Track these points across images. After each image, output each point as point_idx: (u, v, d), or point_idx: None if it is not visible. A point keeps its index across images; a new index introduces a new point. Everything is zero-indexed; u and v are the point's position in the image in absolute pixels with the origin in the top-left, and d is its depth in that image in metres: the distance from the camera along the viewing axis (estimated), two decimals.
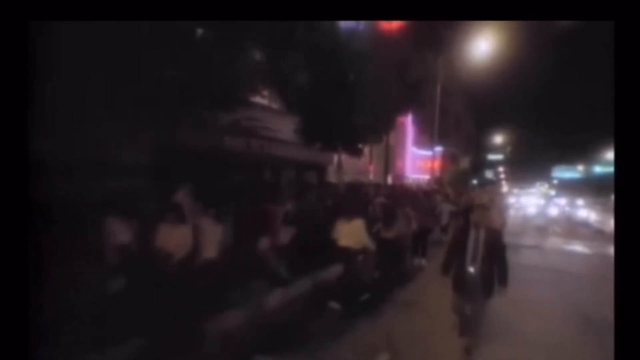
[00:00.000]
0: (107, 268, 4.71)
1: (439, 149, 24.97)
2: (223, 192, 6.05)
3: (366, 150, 14.47)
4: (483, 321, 4.93)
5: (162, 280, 4.85)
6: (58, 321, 3.72)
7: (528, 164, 79.42)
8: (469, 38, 23.45)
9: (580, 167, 72.60)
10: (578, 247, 15.05)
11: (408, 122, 23.44)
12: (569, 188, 65.14)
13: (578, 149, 67.43)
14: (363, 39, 10.81)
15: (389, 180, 20.72)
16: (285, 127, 10.09)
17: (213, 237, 5.30)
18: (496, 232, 4.95)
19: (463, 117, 33.45)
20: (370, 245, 6.73)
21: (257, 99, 8.68)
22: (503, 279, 4.65)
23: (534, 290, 8.14)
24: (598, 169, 60.51)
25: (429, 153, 24.08)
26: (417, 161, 26.12)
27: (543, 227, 20.81)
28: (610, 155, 58.95)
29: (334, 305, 6.18)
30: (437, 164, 25.01)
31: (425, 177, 25.02)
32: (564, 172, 78.34)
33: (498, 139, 45.97)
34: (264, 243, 6.01)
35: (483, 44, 22.51)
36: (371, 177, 16.49)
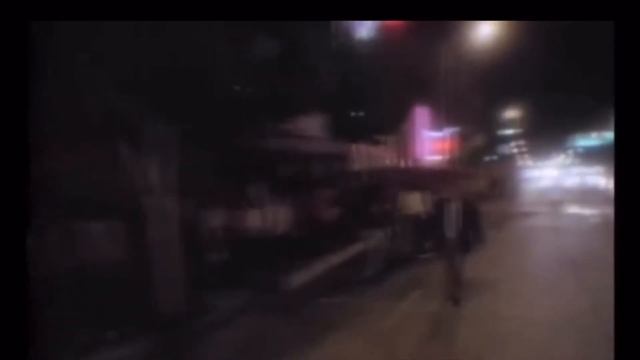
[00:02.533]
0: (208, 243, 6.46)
1: (450, 129, 26.18)
2: (281, 184, 7.82)
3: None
4: (463, 276, 6.04)
5: (243, 250, 6.65)
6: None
7: (542, 136, 79.31)
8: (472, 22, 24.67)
9: (594, 135, 72.41)
10: (581, 210, 16.53)
11: (418, 107, 24.72)
12: (586, 157, 64.99)
13: (590, 117, 67.30)
14: (376, 39, 12.40)
15: (403, 164, 22.22)
16: (312, 125, 11.74)
17: (279, 217, 7.07)
18: (470, 203, 6.24)
19: (472, 96, 34.45)
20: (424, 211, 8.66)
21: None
22: (479, 240, 6.07)
23: (533, 243, 9.88)
24: (609, 136, 60.81)
25: (440, 134, 25.35)
26: (430, 143, 27.40)
27: (557, 200, 22.01)
28: None
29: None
30: (449, 144, 26.28)
31: (438, 158, 26.34)
32: (579, 142, 77.98)
33: (509, 114, 46.66)
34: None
35: (488, 24, 23.71)
36: (387, 162, 18.03)
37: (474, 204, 6.43)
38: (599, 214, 15.04)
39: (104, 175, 4.87)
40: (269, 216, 6.94)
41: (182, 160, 5.67)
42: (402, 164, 18.91)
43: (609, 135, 63.86)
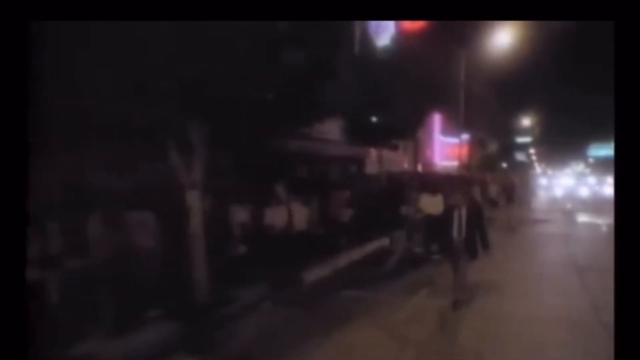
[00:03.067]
0: (228, 241, 6.99)
1: (465, 135, 26.47)
2: (303, 184, 8.37)
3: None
4: (467, 278, 6.27)
5: (270, 244, 7.19)
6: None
7: (560, 144, 78.63)
8: (491, 28, 24.97)
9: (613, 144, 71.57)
10: (591, 219, 16.78)
11: (435, 114, 25.09)
12: (605, 166, 64.27)
13: (608, 126, 66.70)
14: (395, 46, 12.87)
15: (419, 168, 22.65)
16: (333, 129, 12.27)
17: (301, 215, 7.60)
18: (476, 209, 6.48)
19: (489, 103, 34.57)
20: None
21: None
22: (485, 244, 6.26)
23: (540, 248, 10.29)
24: None
25: (456, 140, 25.69)
26: (445, 149, 27.72)
27: (569, 208, 22.19)
28: None
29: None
30: (464, 150, 26.59)
31: (453, 164, 26.67)
32: (599, 150, 77.10)
33: (525, 121, 46.59)
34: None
35: (505, 32, 24.03)
36: (405, 166, 18.49)
37: (480, 210, 6.67)
38: (609, 223, 15.28)
39: (151, 174, 5.47)
40: (292, 214, 7.47)
41: (215, 160, 6.21)
42: (418, 169, 19.35)
43: None
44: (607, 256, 7.63)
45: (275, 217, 7.32)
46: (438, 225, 6.81)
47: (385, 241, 9.00)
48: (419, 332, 5.27)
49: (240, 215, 7.19)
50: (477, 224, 6.26)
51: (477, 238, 6.24)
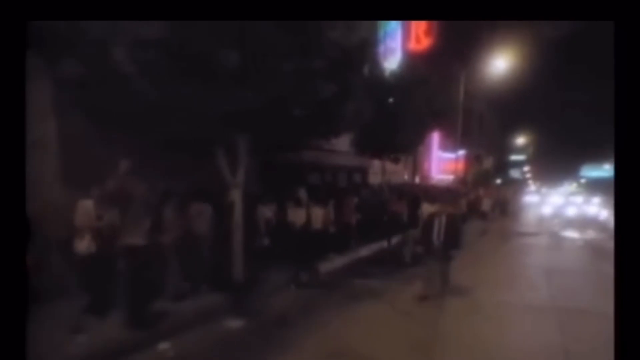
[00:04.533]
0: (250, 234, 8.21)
1: (462, 151, 27.92)
2: (321, 189, 9.70)
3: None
4: (446, 278, 7.40)
5: (291, 239, 8.47)
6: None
7: (554, 164, 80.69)
8: (489, 50, 26.63)
9: (607, 166, 73.43)
10: (572, 235, 18.24)
11: (435, 130, 26.56)
12: (597, 186, 65.93)
13: (604, 148, 68.64)
14: (400, 67, 14.28)
15: (417, 180, 24.12)
16: (343, 142, 13.63)
17: (318, 215, 8.89)
18: (454, 218, 7.66)
19: (486, 121, 36.10)
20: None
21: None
22: (457, 245, 7.42)
23: (521, 257, 11.74)
24: None
25: (453, 156, 27.15)
26: (442, 163, 29.16)
27: (554, 224, 23.62)
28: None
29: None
30: (460, 165, 28.06)
31: (449, 178, 28.09)
32: (591, 171, 78.98)
33: (521, 140, 48.36)
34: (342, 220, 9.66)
35: (503, 55, 25.72)
36: (406, 177, 19.89)
37: (456, 219, 7.83)
38: (586, 238, 16.90)
39: (208, 175, 6.80)
40: (311, 215, 8.76)
41: (250, 165, 7.50)
42: (416, 180, 20.77)
43: None
44: (573, 263, 9.07)
45: (298, 216, 8.61)
46: (422, 231, 8.08)
47: (385, 243, 10.33)
48: (416, 309, 6.58)
49: (266, 213, 8.48)
50: (452, 232, 7.44)
51: (452, 243, 7.41)
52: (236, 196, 7.07)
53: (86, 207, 5.37)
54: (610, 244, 14.92)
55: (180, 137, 6.25)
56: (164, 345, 4.90)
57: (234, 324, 5.68)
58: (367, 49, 7.56)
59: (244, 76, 5.64)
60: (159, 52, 5.03)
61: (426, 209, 9.31)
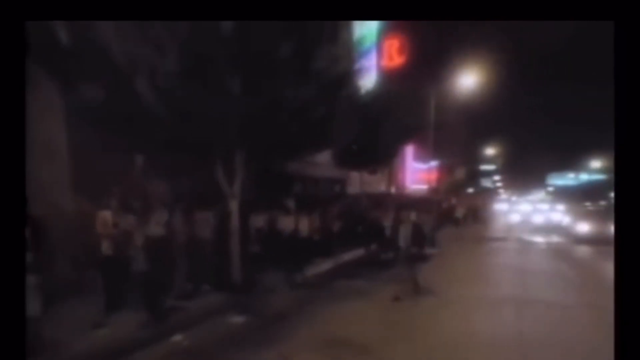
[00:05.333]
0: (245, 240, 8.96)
1: (435, 162, 29.27)
2: (307, 199, 10.55)
3: None
4: (414, 279, 8.29)
5: (281, 245, 9.26)
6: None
7: (523, 173, 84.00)
8: (459, 65, 28.29)
9: (572, 175, 76.97)
10: (537, 239, 19.70)
11: (409, 143, 27.82)
12: (563, 194, 68.74)
13: (567, 158, 72.27)
14: (376, 85, 15.37)
15: (393, 190, 25.24)
16: (324, 155, 14.54)
17: (305, 224, 9.73)
18: (418, 225, 8.84)
19: (457, 133, 37.70)
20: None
21: None
22: (422, 248, 8.58)
23: (489, 259, 12.86)
24: (585, 177, 65.79)
25: (426, 166, 28.46)
26: (417, 174, 30.44)
27: (521, 230, 25.14)
28: (595, 163, 63.95)
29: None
30: (434, 175, 29.41)
31: (424, 187, 29.37)
32: (557, 180, 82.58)
33: (490, 151, 50.54)
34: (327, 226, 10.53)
35: (472, 70, 27.43)
36: (382, 188, 20.93)
37: (420, 227, 8.97)
38: (549, 242, 18.42)
39: (210, 185, 7.56)
40: (298, 222, 9.59)
41: (245, 177, 8.29)
42: (392, 190, 21.86)
43: (583, 177, 68.98)
44: (534, 263, 10.32)
45: (286, 224, 9.42)
46: (391, 237, 9.07)
47: (365, 248, 11.26)
48: (394, 304, 7.46)
49: (259, 220, 9.27)
50: (419, 237, 8.50)
51: (418, 248, 8.39)
52: (233, 205, 7.84)
53: (104, 217, 6.08)
54: (568, 246, 16.35)
55: (187, 152, 7.04)
56: (177, 337, 5.61)
57: (237, 319, 6.43)
58: (349, 78, 8.50)
59: (248, 100, 6.50)
60: (177, 80, 5.83)
61: (396, 216, 10.31)
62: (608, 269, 12.42)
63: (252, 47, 6.30)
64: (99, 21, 5.49)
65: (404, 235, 8.46)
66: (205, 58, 6.07)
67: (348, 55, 8.31)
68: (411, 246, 8.38)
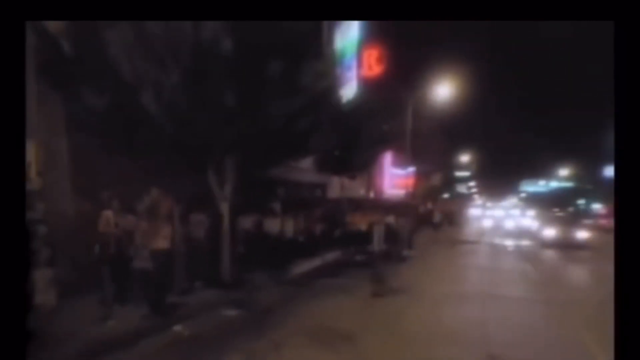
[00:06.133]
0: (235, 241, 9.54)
1: (412, 168, 30.33)
2: (292, 203, 11.20)
3: None
4: (388, 277, 9.14)
5: (267, 245, 9.87)
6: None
7: (497, 179, 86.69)
8: (435, 75, 29.50)
9: (542, 182, 79.79)
10: (507, 242, 20.91)
11: (386, 150, 28.79)
12: (534, 200, 71.17)
13: (538, 166, 75.15)
14: (357, 100, 16.16)
15: (371, 195, 26.13)
16: (307, 162, 15.20)
17: (289, 226, 10.38)
18: (390, 227, 9.74)
19: (433, 140, 38.96)
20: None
21: None
22: (398, 253, 9.43)
23: (462, 260, 13.75)
24: (554, 184, 68.59)
25: (404, 172, 29.47)
26: (394, 179, 31.40)
27: (491, 234, 26.41)
28: (563, 171, 66.73)
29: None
30: (411, 181, 30.45)
31: (401, 193, 30.36)
32: (529, 187, 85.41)
33: (465, 158, 52.24)
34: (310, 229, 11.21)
35: (447, 79, 28.69)
36: (361, 192, 21.72)
37: (393, 228, 9.79)
38: (518, 245, 19.65)
39: (204, 190, 8.14)
40: (283, 225, 10.24)
41: (235, 182, 8.89)
42: (371, 195, 22.72)
43: (552, 184, 71.77)
44: (501, 263, 11.35)
45: (272, 226, 10.05)
46: (366, 239, 9.81)
47: (344, 249, 12.01)
48: (372, 299, 8.18)
49: (249, 223, 9.87)
50: (392, 239, 9.29)
51: (390, 248, 9.25)
52: (224, 208, 8.43)
53: (107, 216, 6.62)
54: (535, 250, 17.45)
55: (184, 158, 7.62)
56: (177, 328, 6.17)
57: (230, 313, 7.01)
58: (332, 91, 9.23)
59: (241, 113, 7.14)
60: (177, 93, 6.43)
61: (370, 219, 11.08)
62: (568, 269, 13.52)
63: (245, 64, 6.95)
64: (106, 38, 6.08)
65: (377, 236, 9.21)
66: (203, 74, 6.69)
67: (331, 70, 9.02)
68: (384, 247, 9.12)
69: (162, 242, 6.52)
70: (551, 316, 7.49)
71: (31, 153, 4.91)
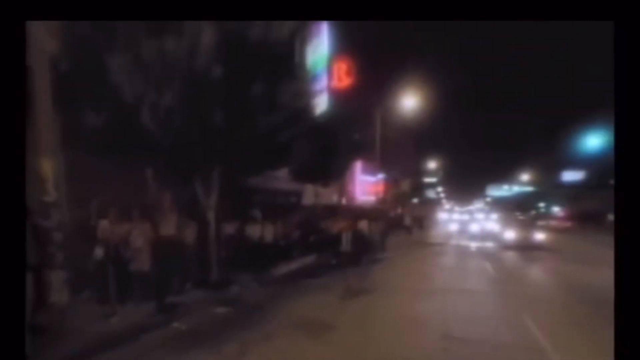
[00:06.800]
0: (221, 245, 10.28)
1: (382, 175, 31.60)
2: (271, 209, 11.99)
3: None
4: (358, 277, 10.42)
5: (250, 249, 10.63)
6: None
7: (464, 185, 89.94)
8: (402, 85, 30.99)
9: (506, 187, 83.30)
10: (471, 244, 22.36)
11: (358, 158, 29.98)
12: (499, 205, 74.09)
13: (502, 171, 78.64)
14: (329, 112, 17.15)
15: (344, 201, 27.18)
16: (283, 171, 16.01)
17: (269, 232, 11.17)
18: (358, 232, 10.75)
19: (402, 147, 40.47)
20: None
21: None
22: (365, 253, 10.44)
23: (428, 259, 14.87)
24: (516, 188, 72.09)
25: (374, 179, 30.70)
26: (365, 186, 32.56)
27: (456, 236, 27.97)
28: (524, 176, 70.08)
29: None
30: (381, 187, 31.71)
31: (372, 199, 31.55)
32: (494, 191, 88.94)
33: (432, 164, 54.30)
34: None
35: (414, 89, 30.23)
36: (334, 199, 22.66)
37: (361, 233, 10.77)
38: (480, 246, 21.15)
39: (191, 196, 8.86)
40: (263, 230, 11.01)
41: (220, 190, 9.64)
42: (343, 202, 23.71)
43: (515, 189, 75.21)
44: (463, 262, 12.62)
45: (253, 231, 10.82)
46: (335, 242, 10.79)
47: (320, 252, 12.92)
48: (348, 295, 9.07)
49: (231, 228, 10.60)
50: (358, 242, 10.26)
51: (357, 251, 10.23)
52: (210, 215, 9.17)
53: (104, 225, 7.30)
54: (495, 250, 18.82)
55: (174, 171, 8.35)
56: (175, 324, 6.87)
57: (221, 310, 7.75)
58: (307, 108, 10.15)
59: (227, 129, 7.94)
60: (172, 114, 7.18)
61: (339, 224, 12.06)
62: (521, 267, 14.85)
63: (231, 86, 7.76)
64: (108, 63, 6.78)
65: (345, 239, 10.21)
66: (195, 95, 7.46)
67: (306, 90, 9.97)
68: (351, 249, 10.09)
69: (167, 230, 7.32)
70: (500, 304, 8.62)
71: (48, 168, 5.49)
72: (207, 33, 7.12)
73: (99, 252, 7.19)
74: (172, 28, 6.93)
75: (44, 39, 5.46)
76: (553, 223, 33.86)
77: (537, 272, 13.73)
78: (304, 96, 9.69)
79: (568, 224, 41.04)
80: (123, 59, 6.78)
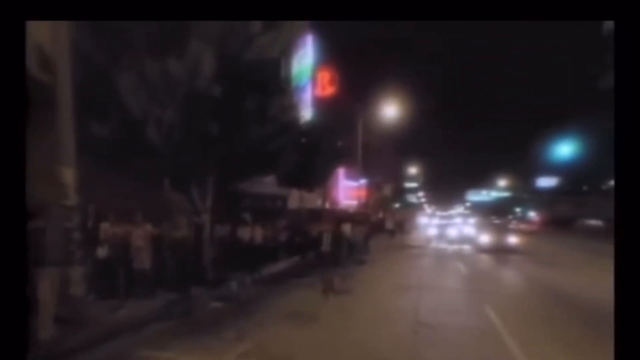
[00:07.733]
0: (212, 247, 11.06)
1: (364, 180, 32.67)
2: (260, 213, 12.82)
3: None
4: (341, 276, 11.29)
5: (241, 250, 11.43)
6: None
7: (444, 190, 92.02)
8: (383, 93, 32.22)
9: (484, 192, 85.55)
10: (448, 246, 23.53)
11: (341, 164, 30.98)
12: (478, 209, 75.50)
13: (481, 177, 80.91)
14: (314, 121, 18.08)
15: (327, 205, 28.14)
16: (270, 176, 16.88)
17: (259, 234, 11.99)
18: (340, 233, 11.73)
19: (383, 153, 41.67)
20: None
21: None
22: (348, 255, 11.44)
23: (408, 260, 15.86)
24: (495, 194, 74.39)
25: (356, 184, 31.74)
26: (348, 191, 33.60)
27: (435, 239, 29.23)
28: (502, 182, 72.33)
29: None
30: (363, 192, 32.77)
31: (355, 203, 32.58)
32: (473, 196, 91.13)
33: (413, 170, 55.85)
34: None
35: (394, 98, 31.46)
36: (319, 203, 23.59)
37: (341, 235, 11.73)
38: (456, 249, 22.35)
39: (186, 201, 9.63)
40: (253, 232, 11.83)
41: (215, 195, 10.44)
42: (327, 206, 24.67)
43: (494, 194, 77.52)
44: (439, 262, 13.77)
45: (244, 233, 11.62)
46: (317, 244, 11.73)
47: (305, 253, 13.78)
48: (333, 292, 9.95)
49: (223, 230, 11.39)
50: (337, 244, 11.21)
51: (336, 253, 11.18)
52: (206, 219, 9.96)
53: (105, 227, 8.08)
54: (471, 253, 19.96)
55: (174, 178, 9.15)
56: (176, 315, 7.63)
57: (217, 304, 8.54)
58: (294, 120, 11.05)
59: (223, 139, 8.79)
60: (175, 127, 8.01)
61: (321, 226, 12.94)
62: (492, 267, 15.96)
63: (227, 102, 8.60)
64: (116, 82, 7.56)
65: (325, 241, 11.14)
66: (194, 111, 8.28)
67: (293, 104, 10.89)
68: (330, 249, 11.04)
69: (178, 232, 8.15)
70: (468, 299, 9.63)
71: (69, 174, 6.23)
72: (206, 56, 7.97)
73: (101, 252, 7.95)
74: (174, 52, 7.77)
75: (67, 53, 6.11)
76: (523, 227, 35.42)
77: (504, 272, 14.85)
78: (292, 109, 10.59)
79: (536, 227, 42.87)
80: (130, 80, 7.56)
